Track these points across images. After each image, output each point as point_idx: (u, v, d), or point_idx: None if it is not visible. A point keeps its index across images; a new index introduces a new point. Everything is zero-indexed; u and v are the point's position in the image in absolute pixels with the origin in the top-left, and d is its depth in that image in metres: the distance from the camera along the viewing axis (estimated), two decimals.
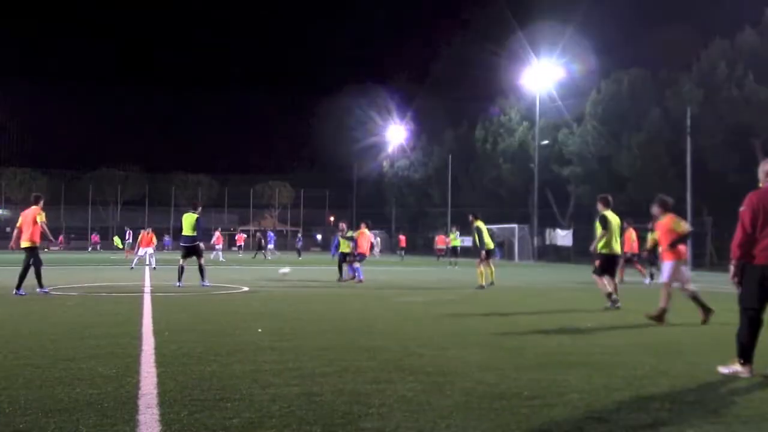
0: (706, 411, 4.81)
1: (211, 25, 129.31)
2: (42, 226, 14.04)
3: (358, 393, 5.13)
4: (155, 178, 79.79)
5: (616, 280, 12.69)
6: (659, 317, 10.05)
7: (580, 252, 42.38)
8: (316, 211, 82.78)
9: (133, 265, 26.75)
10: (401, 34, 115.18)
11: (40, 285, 14.06)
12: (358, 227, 20.75)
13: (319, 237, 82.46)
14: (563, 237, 49.35)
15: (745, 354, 6.10)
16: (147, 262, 26.55)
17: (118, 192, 77.48)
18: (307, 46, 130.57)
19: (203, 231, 17.55)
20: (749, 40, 38.32)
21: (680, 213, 39.44)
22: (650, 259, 20.98)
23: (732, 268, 6.22)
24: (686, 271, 10.55)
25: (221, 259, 38.04)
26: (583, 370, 6.17)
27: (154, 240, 28.08)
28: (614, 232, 12.43)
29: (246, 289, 16.19)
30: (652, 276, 20.70)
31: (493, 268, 18.25)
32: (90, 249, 60.88)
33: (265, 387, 5.29)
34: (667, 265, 10.41)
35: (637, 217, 23.67)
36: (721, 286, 18.28)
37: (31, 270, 13.98)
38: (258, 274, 23.61)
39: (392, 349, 7.22)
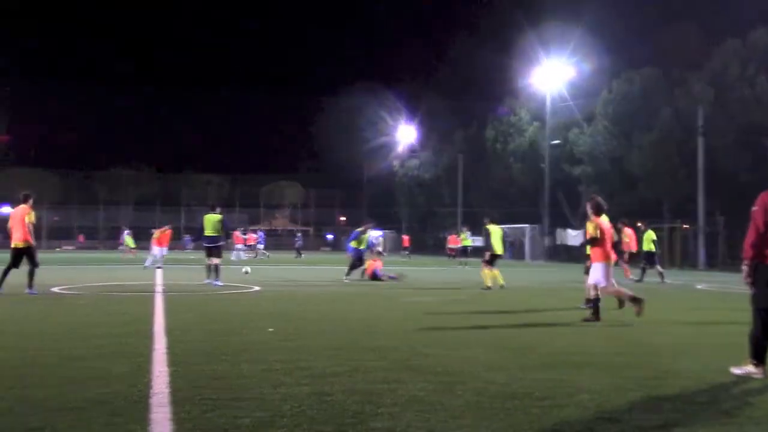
0: (718, 412, 4.79)
1: (218, 25, 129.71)
2: (28, 226, 13.67)
3: (368, 393, 5.13)
4: (166, 178, 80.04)
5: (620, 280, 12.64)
6: (639, 311, 10.13)
7: None
8: (326, 211, 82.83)
9: (148, 263, 26.14)
10: (410, 34, 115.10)
11: (30, 285, 13.59)
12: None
13: (330, 237, 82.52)
14: (574, 237, 49.15)
15: (759, 355, 6.06)
16: (155, 262, 26.05)
17: (129, 192, 77.73)
18: (315, 46, 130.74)
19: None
20: (761, 39, 38.09)
21: (692, 213, 39.27)
22: (648, 259, 21.37)
23: (745, 268, 6.19)
24: (609, 271, 10.60)
25: (244, 257, 38.02)
26: (594, 371, 6.16)
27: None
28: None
29: (257, 288, 16.23)
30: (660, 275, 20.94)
31: (497, 272, 17.60)
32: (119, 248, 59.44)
33: (276, 386, 5.30)
34: (597, 267, 10.49)
35: (648, 217, 23.60)
36: (734, 287, 18.20)
37: (8, 269, 13.60)
38: (269, 274, 23.66)
39: (402, 349, 7.22)
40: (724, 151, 37.40)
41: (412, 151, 71.21)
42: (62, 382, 5.38)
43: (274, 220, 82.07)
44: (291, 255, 46.43)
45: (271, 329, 8.65)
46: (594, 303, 10.55)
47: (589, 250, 10.91)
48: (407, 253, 48.15)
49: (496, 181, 56.00)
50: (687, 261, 36.94)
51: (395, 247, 58.89)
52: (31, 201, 14.09)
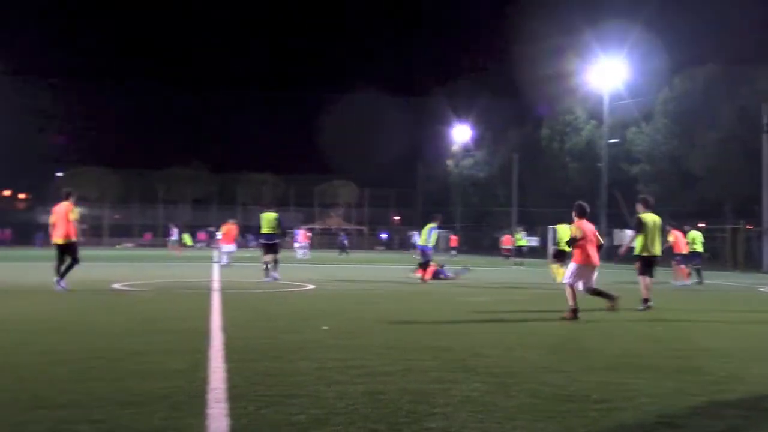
0: None
1: (275, 26, 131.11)
2: (74, 224, 13.79)
3: (422, 392, 5.12)
4: (223, 178, 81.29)
5: (677, 281, 12.66)
6: (572, 316, 10.46)
7: None
8: (380, 210, 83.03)
9: (224, 261, 25.84)
10: (466, 33, 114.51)
11: (61, 277, 13.52)
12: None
13: (384, 236, 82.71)
14: (632, 237, 48.28)
15: None
16: (221, 258, 26.09)
17: (187, 191, 79.18)
18: (375, 48, 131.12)
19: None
20: None
21: (754, 214, 38.17)
22: (688, 259, 20.90)
23: None
24: (591, 274, 11.05)
25: (307, 256, 38.44)
26: (654, 374, 6.03)
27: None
28: (654, 234, 12.43)
29: (312, 287, 16.36)
30: (698, 274, 20.69)
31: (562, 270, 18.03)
32: (199, 246, 59.91)
33: (330, 384, 5.33)
34: (570, 266, 11.04)
35: (709, 217, 23.03)
36: None
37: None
38: (324, 272, 23.83)
39: (456, 349, 7.19)
40: None
41: (467, 151, 70.86)
42: (124, 376, 5.51)
43: (328, 219, 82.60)
44: (342, 254, 46.63)
45: (325, 327, 8.70)
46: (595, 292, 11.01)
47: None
48: (454, 253, 47.98)
49: (552, 181, 55.32)
50: (751, 263, 35.89)
51: (444, 247, 58.76)
52: (73, 198, 14.25)
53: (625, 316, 11.23)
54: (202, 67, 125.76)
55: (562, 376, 5.86)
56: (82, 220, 14.66)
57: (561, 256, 18.21)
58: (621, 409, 4.74)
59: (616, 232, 48.51)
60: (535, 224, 50.25)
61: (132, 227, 76.33)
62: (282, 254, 19.15)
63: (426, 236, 19.32)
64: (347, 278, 20.61)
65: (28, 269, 21.77)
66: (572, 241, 10.98)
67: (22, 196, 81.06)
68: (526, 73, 58.10)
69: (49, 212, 15.05)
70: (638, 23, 45.13)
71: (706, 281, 20.65)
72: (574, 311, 10.53)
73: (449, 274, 20.56)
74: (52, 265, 13.99)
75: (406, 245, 58.12)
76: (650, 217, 12.53)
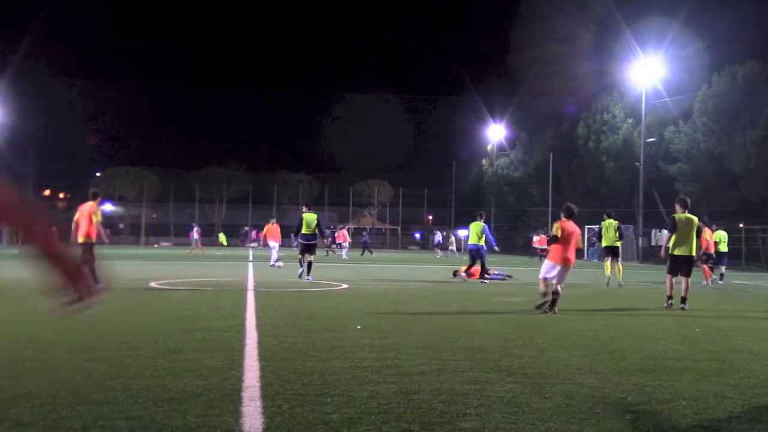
0: None
1: (318, 28, 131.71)
2: (97, 226, 13.80)
3: (456, 392, 5.11)
4: (259, 177, 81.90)
5: (705, 281, 12.92)
6: (542, 306, 11.11)
7: None
8: (414, 209, 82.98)
9: (274, 263, 24.63)
10: (503, 32, 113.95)
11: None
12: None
13: (417, 236, 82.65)
14: (667, 237, 47.59)
15: None
16: (275, 257, 25.48)
17: (223, 190, 79.95)
18: (410, 47, 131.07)
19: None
20: None
21: None
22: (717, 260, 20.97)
23: None
24: (563, 273, 11.38)
25: (344, 256, 38.62)
26: (691, 377, 5.94)
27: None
28: (685, 234, 12.54)
29: (345, 286, 16.41)
30: (721, 276, 20.91)
31: (620, 267, 19.29)
32: (251, 245, 59.69)
33: (363, 384, 5.34)
34: (545, 263, 11.66)
35: (751, 217, 22.72)
36: None
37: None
38: (358, 272, 23.88)
39: (490, 349, 7.15)
40: None
41: (502, 150, 70.49)
42: (161, 373, 5.58)
43: (363, 218, 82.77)
44: (378, 253, 46.69)
45: (359, 327, 8.72)
46: (554, 293, 11.20)
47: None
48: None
49: (588, 180, 54.77)
50: None
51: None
52: (99, 199, 14.30)
53: (662, 317, 11.09)
54: (239, 68, 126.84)
55: (598, 377, 5.80)
56: (119, 219, 14.77)
57: (611, 254, 19.51)
58: (657, 412, 4.68)
59: (655, 232, 47.89)
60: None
61: (169, 226, 77.24)
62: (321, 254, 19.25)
63: (477, 235, 19.14)
64: (381, 278, 20.63)
65: None
66: (552, 239, 11.60)
67: (61, 195, 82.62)
68: (563, 72, 57.62)
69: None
70: (677, 20, 44.49)
71: (745, 282, 20.33)
72: (547, 304, 11.11)
73: (501, 274, 20.47)
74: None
75: (433, 245, 58.07)
76: (683, 217, 12.63)
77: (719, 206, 39.24)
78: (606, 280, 18.74)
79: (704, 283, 19.91)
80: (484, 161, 73.97)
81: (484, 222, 19.56)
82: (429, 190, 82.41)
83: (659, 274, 22.59)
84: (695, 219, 12.77)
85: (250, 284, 16.31)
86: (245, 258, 32.98)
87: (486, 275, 19.21)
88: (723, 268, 21.39)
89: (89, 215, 13.87)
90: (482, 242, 19.06)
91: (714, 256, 20.62)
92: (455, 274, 20.24)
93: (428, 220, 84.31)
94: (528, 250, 48.14)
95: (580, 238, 11.96)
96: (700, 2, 44.37)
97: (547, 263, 11.58)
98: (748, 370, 6.31)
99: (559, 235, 11.37)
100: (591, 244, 44.63)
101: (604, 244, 20.08)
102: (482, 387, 5.31)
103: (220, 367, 5.90)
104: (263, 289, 14.80)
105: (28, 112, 61.60)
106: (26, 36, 68.28)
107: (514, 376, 5.75)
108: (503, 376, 5.78)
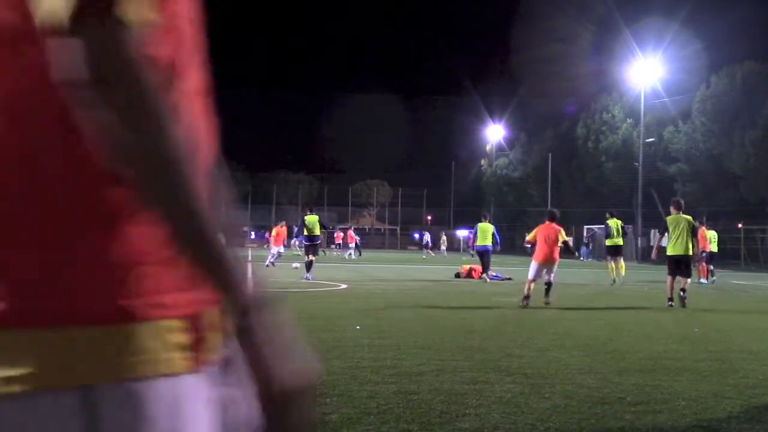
0: None
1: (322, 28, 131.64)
2: None
3: (455, 393, 5.10)
4: (258, 177, 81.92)
5: (692, 280, 13.53)
6: (525, 304, 12.01)
7: None
8: (413, 210, 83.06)
9: (267, 262, 24.21)
10: (502, 31, 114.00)
11: None
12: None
13: (416, 236, 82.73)
14: (659, 239, 47.60)
15: None
16: (267, 260, 25.33)
17: None
18: (406, 47, 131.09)
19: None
20: None
21: None
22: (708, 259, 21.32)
23: None
24: (550, 269, 12.69)
25: (353, 256, 38.69)
26: (690, 377, 5.94)
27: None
28: (677, 235, 12.97)
29: (344, 286, 16.41)
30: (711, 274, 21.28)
31: (622, 265, 19.98)
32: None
33: (363, 384, 5.34)
34: (533, 265, 12.71)
35: (749, 218, 22.82)
36: None
37: None
38: (357, 272, 23.89)
39: (490, 350, 7.15)
40: None
41: (501, 150, 70.55)
42: None
43: (362, 218, 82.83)
44: (377, 253, 46.71)
45: (358, 327, 8.72)
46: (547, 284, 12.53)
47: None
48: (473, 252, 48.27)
49: (588, 180, 54.83)
50: None
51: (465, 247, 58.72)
52: None
53: (661, 317, 11.10)
54: (239, 68, 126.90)
55: (597, 377, 5.80)
56: None
57: (614, 253, 19.92)
58: (656, 412, 4.68)
59: (654, 232, 47.91)
60: (569, 224, 49.86)
61: None
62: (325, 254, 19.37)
63: (487, 236, 19.38)
64: (380, 278, 20.64)
65: None
66: (532, 242, 13.03)
67: None
68: (562, 72, 57.66)
69: None
70: (676, 21, 44.55)
71: (744, 282, 20.41)
72: (527, 297, 12.11)
73: (500, 276, 20.56)
74: None
75: (436, 245, 58.35)
76: (673, 219, 13.18)
77: (718, 206, 39.29)
78: (611, 280, 19.15)
79: (702, 281, 20.17)
80: (483, 161, 74.05)
81: (488, 221, 19.87)
82: (428, 190, 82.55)
83: (658, 274, 22.62)
84: (687, 218, 13.07)
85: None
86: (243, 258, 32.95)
87: (486, 274, 19.41)
88: (711, 267, 21.75)
89: None
90: (490, 243, 19.31)
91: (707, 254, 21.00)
92: (458, 275, 20.52)
93: (427, 220, 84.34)
94: (528, 251, 48.23)
95: (559, 236, 12.80)
96: (698, 3, 44.49)
97: (533, 264, 12.67)
98: (748, 370, 6.31)
99: (531, 239, 13.11)
100: (584, 244, 44.66)
101: (608, 243, 20.61)
102: (481, 387, 5.31)
103: None
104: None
105: None
106: None
107: (514, 376, 5.75)
108: (502, 376, 5.77)
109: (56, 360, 0.82)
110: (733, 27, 43.61)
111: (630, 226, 47.02)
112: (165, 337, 0.86)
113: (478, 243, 19.70)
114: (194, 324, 0.90)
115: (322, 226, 19.14)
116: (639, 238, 46.77)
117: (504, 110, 68.57)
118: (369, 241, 71.92)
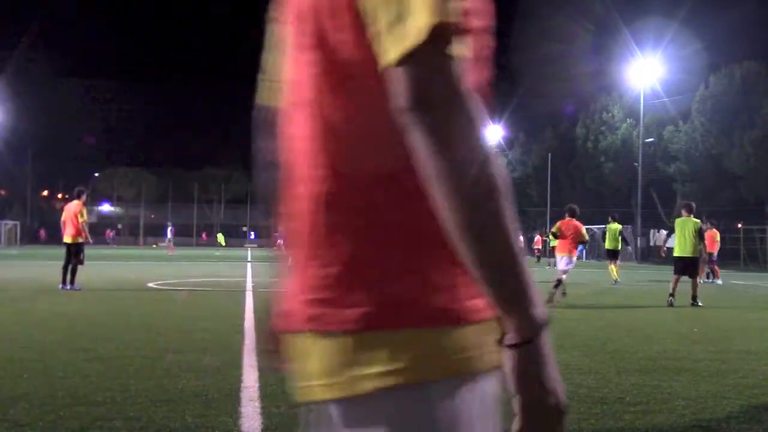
0: None
1: None
2: (82, 226, 13.59)
3: None
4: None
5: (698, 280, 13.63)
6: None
7: None
8: None
9: None
10: (499, 31, 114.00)
11: (72, 282, 13.37)
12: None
13: None
14: (665, 239, 47.57)
15: None
16: None
17: (221, 190, 79.96)
18: None
19: None
20: None
21: None
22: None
23: None
24: (570, 260, 13.34)
25: None
26: (691, 377, 5.94)
27: None
28: (684, 237, 13.37)
29: None
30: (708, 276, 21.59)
31: (613, 267, 20.63)
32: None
33: None
34: (557, 257, 13.58)
35: (748, 218, 22.86)
36: None
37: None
38: None
39: None
40: None
41: (500, 150, 70.52)
42: (160, 373, 5.57)
43: None
44: None
45: None
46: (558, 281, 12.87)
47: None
48: None
49: (587, 180, 54.82)
50: None
51: None
52: (84, 197, 14.06)
53: (661, 317, 11.10)
54: (239, 68, 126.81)
55: (597, 377, 5.80)
56: (118, 219, 14.73)
57: (612, 256, 20.85)
58: (656, 412, 4.68)
59: (653, 232, 47.94)
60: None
61: (167, 227, 77.26)
62: None
63: None
64: None
65: None
66: (554, 235, 13.92)
67: (59, 196, 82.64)
68: (562, 72, 57.67)
69: (88, 212, 15.09)
70: (675, 21, 44.56)
71: (744, 282, 20.46)
72: (564, 294, 12.90)
73: None
74: (71, 265, 13.68)
75: None
76: (681, 221, 13.55)
77: (718, 206, 39.30)
78: (613, 281, 19.77)
79: (717, 281, 20.93)
80: None
81: None
82: None
83: (657, 273, 22.65)
84: (695, 221, 13.40)
85: (249, 284, 16.29)
86: (244, 258, 32.98)
87: None
88: (714, 268, 22.05)
89: (75, 214, 13.69)
90: None
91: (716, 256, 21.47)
92: None
93: None
94: (526, 251, 48.14)
95: (580, 232, 13.42)
96: (698, 3, 44.49)
97: (557, 257, 13.56)
98: (747, 371, 6.31)
99: (558, 233, 13.47)
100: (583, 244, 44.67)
101: (607, 246, 21.54)
102: None
103: (218, 367, 5.90)
104: (262, 290, 14.79)
105: (27, 112, 61.56)
106: (26, 36, 68.28)
107: None
108: None
109: (423, 356, 0.96)
110: (732, 27, 43.61)
111: (629, 227, 47.11)
112: (486, 337, 0.98)
113: None
114: (495, 327, 1.00)
115: None
116: (638, 238, 46.77)
117: (503, 110, 68.57)
118: None
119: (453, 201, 0.90)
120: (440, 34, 0.89)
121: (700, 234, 13.30)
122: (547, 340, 0.99)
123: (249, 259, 30.33)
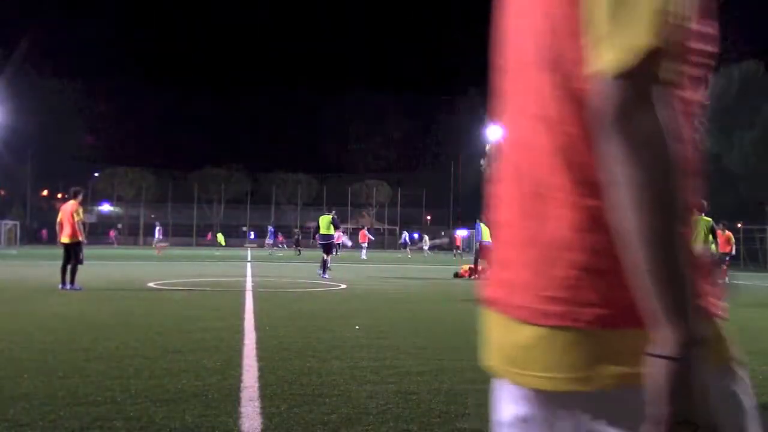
0: None
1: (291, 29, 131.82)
2: (77, 224, 13.58)
3: (454, 393, 5.10)
4: (257, 177, 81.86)
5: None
6: None
7: None
8: (413, 210, 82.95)
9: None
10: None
11: (72, 282, 13.39)
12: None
13: (416, 236, 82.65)
14: None
15: None
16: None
17: (221, 190, 79.94)
18: (406, 47, 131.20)
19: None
20: None
21: None
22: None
23: None
24: None
25: (364, 256, 38.87)
26: None
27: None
28: (694, 235, 13.11)
29: (344, 286, 16.40)
30: None
31: None
32: (279, 247, 56.87)
33: (362, 384, 5.34)
34: None
35: (748, 218, 22.79)
36: None
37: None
38: (356, 272, 23.88)
39: None
40: None
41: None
42: (160, 373, 5.58)
43: (361, 218, 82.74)
44: (377, 253, 46.68)
45: (357, 327, 8.72)
46: None
47: None
48: (460, 252, 49.42)
49: None
50: None
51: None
52: (80, 197, 14.08)
53: None
54: (239, 68, 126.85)
55: None
56: (117, 219, 14.77)
57: None
58: None
59: None
60: None
61: (167, 227, 77.25)
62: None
63: (487, 235, 19.81)
64: (379, 277, 20.63)
65: None
66: None
67: (59, 195, 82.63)
68: None
69: (86, 211, 15.09)
70: None
71: (743, 282, 20.42)
72: None
73: None
74: (69, 265, 13.69)
75: (436, 245, 58.78)
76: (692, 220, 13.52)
77: (717, 207, 39.29)
78: None
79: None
80: (483, 161, 74.03)
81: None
82: (427, 190, 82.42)
83: None
84: (707, 220, 13.28)
85: (249, 284, 16.30)
86: (244, 258, 32.99)
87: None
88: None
89: (71, 214, 13.70)
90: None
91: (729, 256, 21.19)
92: (457, 275, 20.62)
93: (427, 220, 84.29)
94: None
95: None
96: None
97: None
98: (750, 370, 6.29)
99: None
100: None
101: None
102: (481, 387, 5.30)
103: (218, 367, 5.90)
104: (262, 290, 14.79)
105: (26, 112, 61.54)
106: (25, 36, 68.25)
107: None
108: None
109: (635, 358, 0.98)
110: (731, 27, 43.55)
111: None
112: (641, 343, 0.98)
113: (483, 239, 20.10)
114: None
115: (335, 226, 19.88)
116: None
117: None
118: (368, 241, 71.76)
119: (637, 210, 0.94)
120: (658, 56, 0.93)
121: (712, 232, 13.11)
122: (703, 356, 0.96)
123: (249, 259, 30.33)
